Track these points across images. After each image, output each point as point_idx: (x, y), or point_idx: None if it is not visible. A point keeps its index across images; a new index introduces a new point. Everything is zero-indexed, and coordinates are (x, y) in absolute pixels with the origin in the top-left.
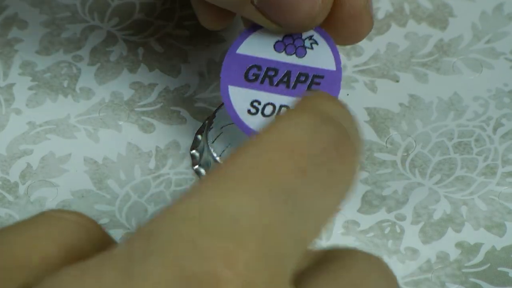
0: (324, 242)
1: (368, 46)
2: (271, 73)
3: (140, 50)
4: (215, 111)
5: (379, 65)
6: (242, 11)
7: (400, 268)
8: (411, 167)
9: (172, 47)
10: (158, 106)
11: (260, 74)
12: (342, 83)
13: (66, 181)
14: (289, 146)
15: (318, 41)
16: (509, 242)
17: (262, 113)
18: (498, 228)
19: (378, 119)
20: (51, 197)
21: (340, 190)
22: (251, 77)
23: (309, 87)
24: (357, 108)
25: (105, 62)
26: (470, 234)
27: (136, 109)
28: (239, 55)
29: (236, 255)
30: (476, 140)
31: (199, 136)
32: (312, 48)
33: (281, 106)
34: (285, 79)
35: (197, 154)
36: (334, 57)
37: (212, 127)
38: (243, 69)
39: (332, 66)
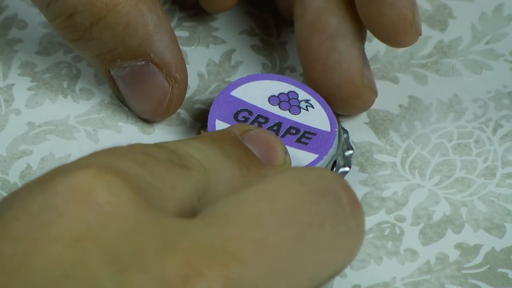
0: None
1: (368, 48)
2: (261, 120)
3: None
4: None
5: (379, 67)
6: (100, 74)
7: (399, 270)
8: (410, 169)
9: None
10: None
11: (250, 118)
12: None
13: None
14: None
15: (314, 106)
16: (508, 243)
17: None
18: (497, 229)
19: (378, 121)
20: None
21: None
22: (240, 118)
23: (299, 140)
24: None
25: None
26: (469, 236)
27: None
28: (233, 96)
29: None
30: (476, 142)
31: (202, 132)
32: (307, 110)
33: None
34: (275, 128)
35: None
36: (330, 121)
37: None
38: (234, 110)
39: (326, 128)
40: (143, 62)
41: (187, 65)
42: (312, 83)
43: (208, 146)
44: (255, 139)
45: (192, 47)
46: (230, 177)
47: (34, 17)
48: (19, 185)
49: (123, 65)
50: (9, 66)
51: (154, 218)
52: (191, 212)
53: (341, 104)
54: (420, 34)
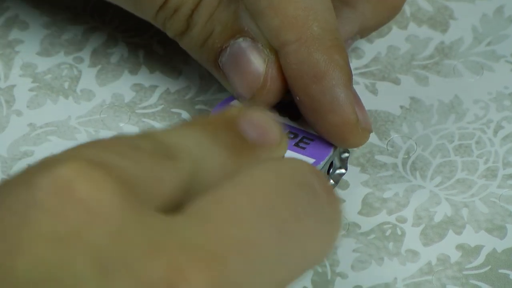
0: None
1: (369, 49)
2: None
3: (141, 52)
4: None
5: (380, 68)
6: (211, 71)
7: (401, 270)
8: (412, 170)
9: (173, 49)
10: (159, 108)
11: None
12: None
13: None
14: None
15: None
16: (510, 244)
17: None
18: (499, 230)
19: (379, 122)
20: None
21: None
22: None
23: (297, 144)
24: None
25: (106, 64)
26: (471, 237)
27: (137, 111)
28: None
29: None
30: (477, 143)
31: None
32: None
33: None
34: None
35: None
36: None
37: None
38: None
39: None
40: (241, 39)
41: (188, 66)
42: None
43: (199, 133)
44: (250, 120)
45: None
46: (221, 165)
47: (36, 18)
48: None
49: (224, 46)
50: (10, 67)
51: (139, 216)
52: (176, 204)
53: (336, 141)
54: (370, 131)
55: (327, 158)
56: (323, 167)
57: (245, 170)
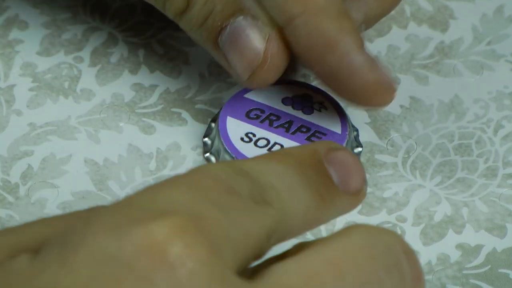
0: None
1: (369, 48)
2: (273, 117)
3: (141, 52)
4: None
5: None
6: (211, 51)
7: None
8: (412, 169)
9: (173, 49)
10: (159, 107)
11: (261, 116)
12: None
13: (66, 182)
14: None
15: (328, 107)
16: (510, 244)
17: (255, 144)
18: (499, 230)
19: (379, 121)
20: (52, 198)
21: None
22: (252, 115)
23: (308, 138)
24: (358, 109)
25: (106, 64)
26: (471, 236)
27: (137, 110)
28: (245, 98)
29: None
30: (477, 142)
31: (213, 124)
32: (320, 111)
33: (275, 143)
34: (286, 125)
35: (209, 142)
36: (341, 123)
37: None
38: (246, 109)
39: (337, 129)
40: (241, 17)
41: (188, 66)
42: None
43: (291, 173)
44: (338, 162)
45: (194, 47)
46: (305, 210)
47: (35, 17)
48: (20, 185)
49: (224, 25)
50: (10, 66)
51: (224, 285)
52: (258, 253)
53: (358, 101)
54: (394, 90)
55: None
56: None
57: (335, 240)
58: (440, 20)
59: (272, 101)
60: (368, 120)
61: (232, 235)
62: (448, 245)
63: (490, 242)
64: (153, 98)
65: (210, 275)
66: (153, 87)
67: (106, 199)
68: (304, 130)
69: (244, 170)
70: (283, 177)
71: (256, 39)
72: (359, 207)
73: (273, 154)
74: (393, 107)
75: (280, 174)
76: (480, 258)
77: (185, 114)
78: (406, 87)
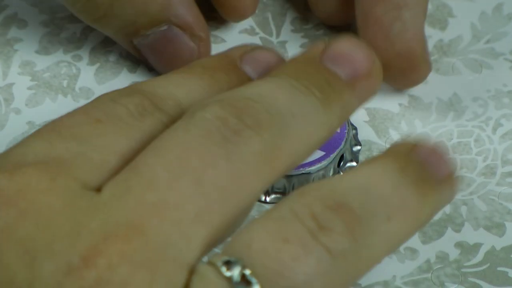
0: None
1: None
2: None
3: None
4: None
5: None
6: (127, 48)
7: (399, 268)
8: None
9: None
10: None
11: None
12: None
13: None
14: None
15: None
16: (508, 242)
17: None
18: (497, 228)
19: (378, 119)
20: None
21: None
22: None
23: None
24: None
25: (104, 62)
26: (469, 234)
27: None
28: None
29: None
30: (476, 141)
31: None
32: None
33: None
34: None
35: None
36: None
37: None
38: None
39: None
40: (165, 27)
41: None
42: None
43: (186, 80)
44: (253, 59)
45: None
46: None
47: (34, 16)
48: None
49: (146, 33)
50: (9, 65)
51: (67, 201)
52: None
53: (397, 75)
54: (430, 69)
55: (337, 151)
56: (333, 160)
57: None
58: (439, 18)
59: None
60: (367, 118)
61: (93, 156)
62: (447, 243)
63: (489, 240)
64: None
65: (52, 194)
66: None
67: None
68: None
69: (134, 88)
70: (182, 84)
71: (189, 46)
72: None
73: (190, 69)
74: (391, 105)
75: (179, 82)
76: (479, 256)
77: None
78: None
